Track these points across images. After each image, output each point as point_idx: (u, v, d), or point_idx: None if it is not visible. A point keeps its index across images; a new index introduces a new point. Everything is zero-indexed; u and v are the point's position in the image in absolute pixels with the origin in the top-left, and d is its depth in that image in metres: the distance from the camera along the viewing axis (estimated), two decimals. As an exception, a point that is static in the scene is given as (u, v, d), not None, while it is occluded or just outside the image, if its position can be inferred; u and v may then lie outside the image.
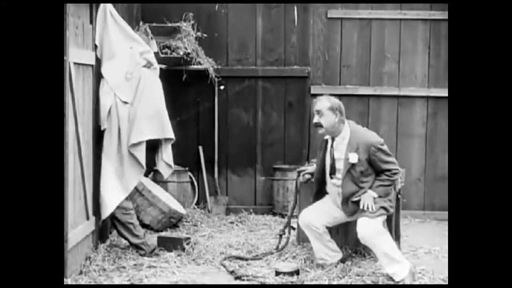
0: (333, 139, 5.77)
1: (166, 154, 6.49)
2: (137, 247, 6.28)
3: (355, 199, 5.66)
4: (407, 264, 5.61)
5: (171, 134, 6.40)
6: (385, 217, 5.76)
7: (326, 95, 5.90)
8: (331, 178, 5.80)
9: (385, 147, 5.70)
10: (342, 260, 5.93)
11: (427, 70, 8.46)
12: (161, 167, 6.52)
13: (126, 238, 6.35)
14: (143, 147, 6.21)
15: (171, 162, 6.55)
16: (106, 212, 6.12)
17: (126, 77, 6.16)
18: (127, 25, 6.38)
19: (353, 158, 5.62)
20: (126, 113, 6.13)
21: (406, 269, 5.57)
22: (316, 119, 5.70)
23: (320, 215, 5.85)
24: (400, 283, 5.51)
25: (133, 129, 6.14)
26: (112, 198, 6.10)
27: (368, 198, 5.62)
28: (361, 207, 5.60)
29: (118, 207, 6.20)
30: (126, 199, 6.28)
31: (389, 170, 5.67)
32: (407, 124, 8.50)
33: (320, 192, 6.02)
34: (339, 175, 5.74)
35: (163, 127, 6.35)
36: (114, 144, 6.11)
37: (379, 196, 5.65)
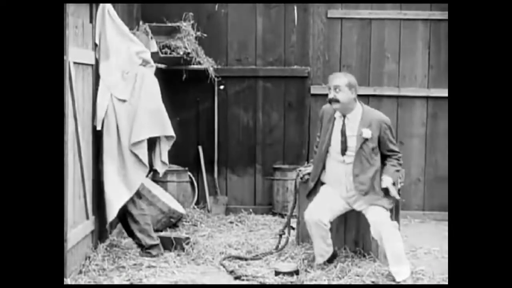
0: (344, 117, 5.78)
1: (164, 153, 6.48)
2: (150, 248, 6.22)
3: (383, 185, 5.68)
4: (409, 266, 5.63)
5: (171, 132, 6.40)
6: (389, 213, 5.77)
7: (344, 72, 5.96)
8: (343, 155, 5.77)
9: (391, 127, 5.85)
10: (334, 255, 5.91)
11: (427, 71, 8.46)
12: (157, 165, 6.50)
13: (139, 239, 6.26)
14: (144, 145, 6.20)
15: (167, 160, 6.54)
16: (111, 214, 6.09)
17: (123, 76, 6.16)
18: (124, 25, 6.38)
19: (367, 133, 5.69)
20: (124, 112, 6.12)
21: (408, 270, 5.59)
22: (332, 94, 5.72)
23: (327, 212, 5.81)
24: (401, 283, 5.51)
25: (134, 128, 6.13)
26: (116, 199, 6.08)
27: (388, 183, 5.69)
28: (384, 185, 5.65)
29: (137, 208, 6.20)
30: (140, 199, 6.29)
31: (395, 153, 5.79)
32: (407, 124, 8.50)
33: (317, 183, 5.96)
34: (350, 152, 5.74)
35: (163, 125, 6.34)
36: (114, 144, 6.10)
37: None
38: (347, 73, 5.92)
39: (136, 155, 6.14)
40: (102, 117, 6.05)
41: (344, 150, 5.75)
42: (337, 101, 5.70)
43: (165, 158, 6.49)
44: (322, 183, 5.95)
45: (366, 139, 5.68)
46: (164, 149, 6.47)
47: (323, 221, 5.76)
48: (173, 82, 8.21)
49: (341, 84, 5.69)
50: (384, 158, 5.80)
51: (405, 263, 5.61)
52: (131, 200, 6.20)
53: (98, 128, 6.06)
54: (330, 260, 5.88)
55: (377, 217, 5.65)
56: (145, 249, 6.22)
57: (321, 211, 5.80)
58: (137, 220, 6.23)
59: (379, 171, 5.74)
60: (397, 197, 5.74)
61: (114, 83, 6.10)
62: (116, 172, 6.10)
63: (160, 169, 6.53)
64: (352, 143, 5.72)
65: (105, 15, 6.15)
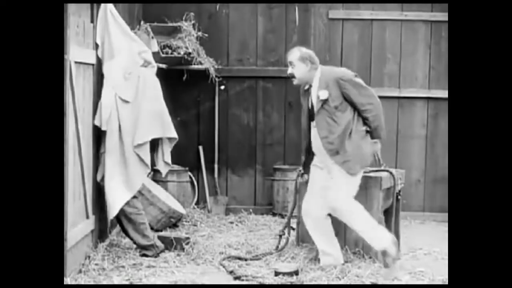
0: (310, 86, 5.89)
1: (167, 154, 6.49)
2: (144, 248, 6.20)
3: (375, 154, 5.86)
4: (388, 235, 5.69)
5: (174, 133, 6.40)
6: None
7: (298, 46, 6.06)
8: (312, 120, 5.88)
9: (355, 79, 5.81)
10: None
11: (428, 72, 8.46)
12: (160, 166, 6.51)
13: (133, 239, 6.26)
14: (147, 146, 6.21)
15: (170, 161, 6.55)
16: (112, 213, 6.09)
17: (125, 76, 6.15)
18: (125, 24, 6.38)
19: (323, 94, 5.75)
20: (127, 113, 6.12)
21: (387, 239, 5.64)
22: (289, 70, 5.89)
23: (318, 200, 5.87)
24: (383, 252, 5.58)
25: (137, 129, 6.13)
26: (117, 198, 6.08)
27: (375, 146, 5.82)
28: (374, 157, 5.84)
29: (131, 207, 6.19)
30: (136, 198, 6.28)
31: (365, 105, 5.74)
32: (407, 125, 8.50)
33: (308, 158, 6.04)
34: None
35: (165, 126, 6.34)
36: (116, 144, 6.10)
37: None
38: (302, 47, 5.99)
39: (138, 155, 6.14)
40: (107, 118, 6.04)
41: (312, 116, 5.85)
42: (293, 76, 5.86)
43: (168, 158, 6.50)
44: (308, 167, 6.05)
45: (325, 100, 5.74)
46: (166, 149, 6.48)
47: (313, 210, 5.90)
48: (174, 82, 8.21)
49: (293, 59, 5.85)
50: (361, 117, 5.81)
51: (381, 229, 5.72)
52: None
53: (104, 128, 6.05)
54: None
55: (333, 195, 5.71)
56: (140, 249, 6.23)
57: (311, 200, 5.92)
58: (131, 219, 6.21)
59: (350, 128, 5.75)
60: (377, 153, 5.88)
61: (118, 83, 6.10)
62: (119, 172, 6.10)
63: (163, 169, 6.53)
64: (317, 108, 5.81)
65: (107, 14, 6.15)
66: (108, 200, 6.07)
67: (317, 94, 5.77)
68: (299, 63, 5.84)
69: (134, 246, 6.34)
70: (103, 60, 6.12)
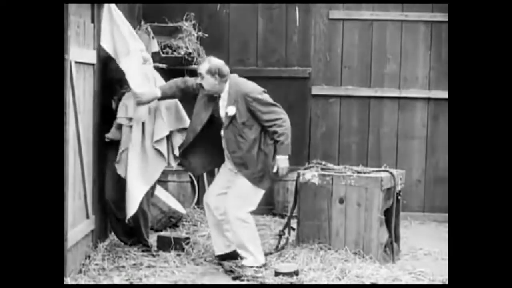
0: (219, 97, 5.91)
1: (176, 146, 6.52)
2: (146, 245, 6.32)
3: (274, 169, 5.81)
4: (261, 260, 5.86)
5: (187, 123, 6.40)
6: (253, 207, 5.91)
7: (210, 57, 6.02)
8: (222, 130, 5.92)
9: (263, 97, 5.80)
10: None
11: (428, 72, 8.46)
12: (171, 159, 6.51)
13: (143, 235, 6.34)
14: (164, 140, 6.25)
15: (177, 153, 6.58)
16: (132, 209, 6.09)
17: (142, 71, 6.20)
18: (128, 23, 6.39)
19: (231, 110, 5.79)
20: (146, 108, 6.15)
21: (254, 262, 5.82)
22: (198, 80, 5.90)
23: (222, 195, 5.98)
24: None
25: (156, 124, 6.18)
26: (137, 194, 6.11)
27: (282, 163, 5.81)
28: (279, 173, 5.83)
29: (147, 205, 6.29)
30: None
31: (273, 121, 5.76)
32: (407, 126, 8.50)
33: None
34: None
35: (180, 118, 6.38)
36: (139, 139, 6.13)
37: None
38: (212, 59, 5.92)
39: (157, 150, 6.18)
40: (143, 118, 6.09)
41: (220, 126, 5.90)
42: (202, 86, 5.87)
43: (176, 151, 6.52)
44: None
45: (233, 116, 5.76)
46: (176, 142, 6.48)
47: (212, 203, 6.02)
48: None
49: (202, 71, 5.84)
50: (269, 132, 5.83)
51: (251, 253, 5.84)
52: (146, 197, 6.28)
53: (131, 124, 6.08)
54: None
55: (229, 202, 5.83)
56: (142, 246, 6.27)
57: (214, 190, 6.05)
58: (145, 213, 6.33)
59: (257, 143, 5.79)
60: (284, 172, 5.86)
61: (137, 78, 6.12)
62: (138, 167, 6.11)
63: (173, 163, 6.55)
64: (225, 123, 5.84)
65: (112, 14, 6.16)
66: (129, 196, 6.08)
67: (226, 110, 5.79)
68: (207, 76, 5.81)
69: (136, 245, 6.36)
70: (118, 57, 6.12)
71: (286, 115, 5.85)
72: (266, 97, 5.83)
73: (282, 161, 5.83)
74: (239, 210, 5.84)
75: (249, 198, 5.87)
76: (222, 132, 5.91)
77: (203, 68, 5.84)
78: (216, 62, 5.86)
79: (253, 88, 5.84)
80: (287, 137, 5.80)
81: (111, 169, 6.32)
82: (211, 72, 5.79)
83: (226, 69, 5.85)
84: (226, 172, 6.08)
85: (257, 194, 5.91)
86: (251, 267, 5.78)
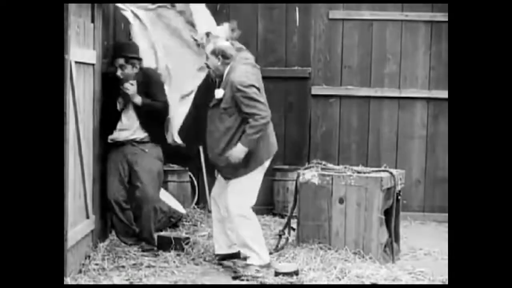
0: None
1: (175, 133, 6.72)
2: (149, 243, 6.38)
3: (227, 154, 5.75)
4: (260, 257, 5.81)
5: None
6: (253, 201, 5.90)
7: (215, 38, 6.04)
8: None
9: (247, 90, 5.71)
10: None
11: (428, 72, 8.46)
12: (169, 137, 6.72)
13: (151, 231, 6.41)
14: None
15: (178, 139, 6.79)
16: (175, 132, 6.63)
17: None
18: None
19: (218, 93, 5.82)
20: None
21: (257, 260, 5.78)
22: (204, 60, 6.01)
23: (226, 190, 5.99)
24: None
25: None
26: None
27: (237, 151, 5.71)
28: (230, 158, 5.72)
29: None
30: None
31: (250, 114, 5.70)
32: (408, 126, 8.50)
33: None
34: None
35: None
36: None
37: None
38: (219, 40, 5.96)
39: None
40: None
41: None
42: (208, 67, 5.96)
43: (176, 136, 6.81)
44: None
45: (219, 100, 5.79)
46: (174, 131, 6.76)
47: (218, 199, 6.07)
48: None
49: (207, 52, 5.93)
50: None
51: (255, 251, 5.81)
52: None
53: (178, 141, 6.62)
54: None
55: (228, 200, 5.84)
56: (143, 244, 6.33)
57: (219, 188, 6.08)
58: (156, 211, 6.49)
59: (231, 133, 5.76)
60: (232, 160, 5.71)
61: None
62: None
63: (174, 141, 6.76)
64: (212, 103, 5.89)
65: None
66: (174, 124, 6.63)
67: (216, 91, 5.87)
68: (212, 56, 5.89)
69: (136, 245, 6.37)
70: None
71: (268, 114, 5.75)
72: (252, 92, 5.71)
73: (237, 150, 5.70)
74: (239, 207, 5.81)
75: (245, 190, 5.83)
76: (208, 112, 5.94)
77: (208, 48, 5.92)
78: (220, 44, 5.90)
79: (241, 80, 5.74)
80: (256, 132, 5.68)
81: (114, 170, 6.33)
82: (214, 53, 5.86)
83: (230, 52, 5.88)
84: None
85: (251, 181, 5.85)
86: (256, 265, 5.74)
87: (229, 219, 5.91)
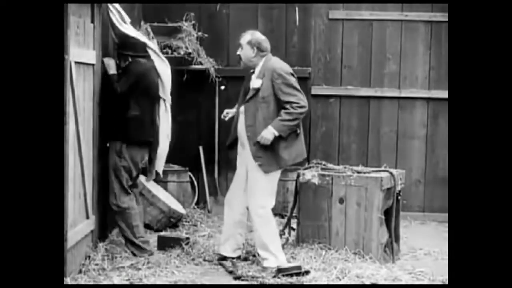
0: (253, 73, 5.97)
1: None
2: (133, 245, 6.21)
3: (258, 138, 5.77)
4: (278, 258, 5.80)
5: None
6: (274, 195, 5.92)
7: (255, 31, 6.15)
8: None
9: (289, 77, 5.81)
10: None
11: (428, 72, 8.46)
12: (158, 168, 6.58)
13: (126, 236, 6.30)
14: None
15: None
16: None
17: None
18: None
19: (256, 83, 5.84)
20: None
21: (275, 262, 5.77)
22: (238, 51, 6.02)
23: (242, 193, 6.01)
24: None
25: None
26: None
27: (266, 133, 5.73)
28: (258, 139, 5.75)
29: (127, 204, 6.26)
30: (129, 195, 6.25)
31: (290, 103, 5.74)
32: (407, 126, 8.50)
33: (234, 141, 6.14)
34: None
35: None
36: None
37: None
38: (255, 32, 6.06)
39: None
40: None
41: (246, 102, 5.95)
42: (240, 58, 5.97)
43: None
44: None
45: (257, 89, 5.81)
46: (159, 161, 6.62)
47: (235, 203, 6.07)
48: (174, 82, 8.18)
49: (242, 42, 5.97)
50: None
51: (272, 253, 5.80)
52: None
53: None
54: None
55: (249, 201, 5.89)
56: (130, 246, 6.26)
57: (236, 192, 6.09)
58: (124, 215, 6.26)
59: (269, 122, 5.76)
60: (263, 141, 5.72)
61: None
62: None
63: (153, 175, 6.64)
64: (249, 95, 5.91)
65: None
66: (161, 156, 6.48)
67: (253, 81, 5.87)
68: (247, 46, 5.93)
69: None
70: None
71: (306, 104, 5.82)
72: (293, 80, 5.84)
73: (268, 132, 5.74)
74: (261, 208, 5.85)
75: (264, 190, 5.85)
76: (242, 108, 5.93)
77: (244, 39, 5.96)
78: (258, 36, 5.99)
79: (284, 67, 5.90)
80: (291, 119, 5.74)
81: (119, 177, 6.20)
82: (251, 44, 5.91)
83: (266, 45, 5.96)
84: (241, 170, 6.08)
85: (271, 182, 5.90)
86: (273, 268, 5.74)
87: (243, 222, 5.98)
